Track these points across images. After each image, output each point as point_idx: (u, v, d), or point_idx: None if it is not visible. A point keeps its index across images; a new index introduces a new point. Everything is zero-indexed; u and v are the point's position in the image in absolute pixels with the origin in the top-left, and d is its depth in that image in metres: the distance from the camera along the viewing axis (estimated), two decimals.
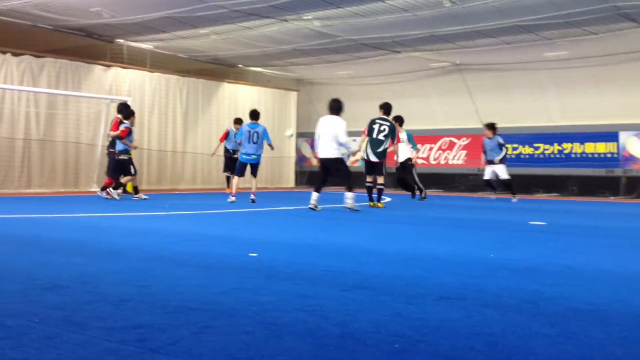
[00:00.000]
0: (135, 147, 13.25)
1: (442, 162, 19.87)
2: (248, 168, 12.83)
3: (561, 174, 17.98)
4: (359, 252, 5.63)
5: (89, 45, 16.34)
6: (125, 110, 13.14)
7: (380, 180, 11.84)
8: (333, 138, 10.57)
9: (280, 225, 8.63)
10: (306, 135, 21.90)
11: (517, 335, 2.87)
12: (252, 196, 12.65)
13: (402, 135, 13.85)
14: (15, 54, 14.68)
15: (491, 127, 14.76)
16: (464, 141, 19.46)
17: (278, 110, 21.17)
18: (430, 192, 19.29)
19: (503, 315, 3.24)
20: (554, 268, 4.86)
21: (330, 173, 10.93)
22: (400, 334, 2.85)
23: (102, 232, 7.06)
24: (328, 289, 3.88)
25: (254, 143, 12.54)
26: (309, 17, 13.65)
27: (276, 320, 3.06)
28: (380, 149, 11.68)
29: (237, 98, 19.86)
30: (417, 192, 15.04)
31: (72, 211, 9.89)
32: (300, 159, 22.48)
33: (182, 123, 18.37)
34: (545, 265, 4.99)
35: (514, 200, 14.66)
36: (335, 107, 10.84)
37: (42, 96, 15.07)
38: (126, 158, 12.81)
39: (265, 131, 12.75)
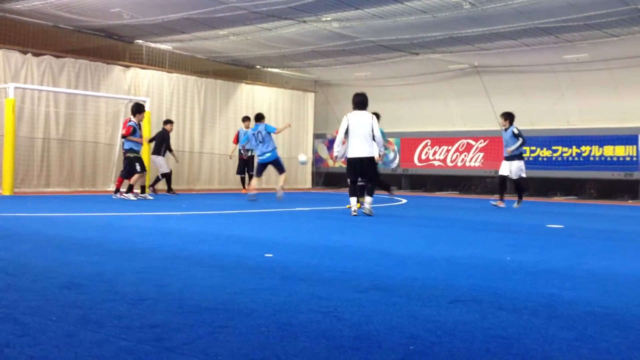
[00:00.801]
0: (142, 142, 13.10)
1: (460, 164, 19.79)
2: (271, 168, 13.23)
3: (579, 177, 17.83)
4: (374, 254, 5.62)
5: (109, 45, 16.49)
6: (134, 108, 13.13)
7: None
8: (367, 135, 9.81)
9: (296, 226, 8.64)
10: (323, 137, 21.92)
11: (533, 338, 2.85)
12: (279, 194, 12.84)
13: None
14: (35, 54, 14.85)
15: (506, 116, 12.95)
16: (481, 143, 19.36)
17: (295, 111, 21.21)
18: (446, 194, 19.22)
19: (519, 319, 3.22)
20: (571, 271, 4.82)
21: (362, 174, 10.01)
22: (415, 336, 2.84)
23: (120, 231, 7.12)
24: (343, 290, 3.88)
25: (261, 142, 13.14)
26: (328, 19, 13.66)
27: (291, 321, 3.07)
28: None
29: (254, 99, 19.93)
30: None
31: (90, 210, 9.98)
32: (317, 160, 22.49)
33: (200, 123, 18.46)
34: (562, 268, 4.96)
35: (515, 206, 12.80)
36: (362, 102, 10.01)
37: (61, 96, 15.21)
38: (132, 156, 12.81)
39: (267, 126, 13.33)
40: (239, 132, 16.69)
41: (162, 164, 14.94)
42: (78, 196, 13.48)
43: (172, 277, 4.19)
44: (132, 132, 12.72)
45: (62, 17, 14.00)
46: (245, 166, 16.61)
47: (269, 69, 20.58)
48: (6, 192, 13.33)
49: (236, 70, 19.90)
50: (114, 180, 15.99)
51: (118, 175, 13.62)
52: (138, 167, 12.81)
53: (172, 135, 17.94)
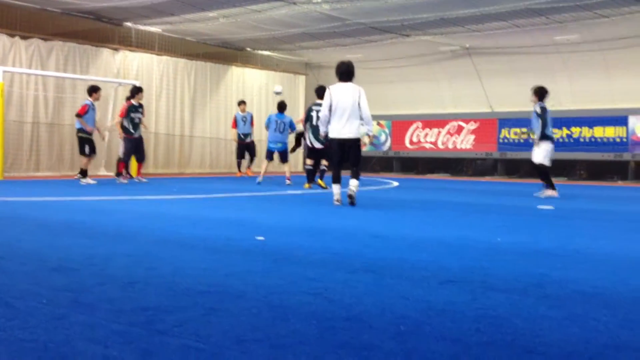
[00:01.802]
0: (90, 131, 12.48)
1: (450, 146, 19.81)
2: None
3: (570, 158, 17.89)
4: (365, 236, 5.64)
5: (98, 28, 16.33)
6: (89, 88, 12.87)
7: (325, 162, 12.25)
8: (353, 112, 8.37)
9: (287, 209, 8.64)
10: None
11: (523, 317, 2.87)
12: (288, 181, 13.20)
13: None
14: (23, 37, 14.70)
15: (536, 91, 11.28)
16: (472, 125, 19.39)
17: (287, 94, 21.07)
18: (437, 177, 19.27)
19: (509, 298, 3.24)
20: (560, 252, 4.85)
21: (347, 157, 8.62)
22: (406, 317, 2.86)
23: (110, 215, 7.10)
24: (334, 272, 3.90)
25: (281, 132, 13.44)
26: (318, 1, 13.57)
27: (283, 303, 3.07)
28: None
29: (245, 82, 19.84)
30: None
31: (80, 194, 9.94)
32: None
33: (190, 107, 18.37)
34: (552, 249, 4.99)
35: (538, 194, 10.85)
36: (347, 72, 8.51)
37: (50, 80, 15.09)
38: (82, 136, 12.39)
39: (291, 122, 13.71)
40: (236, 117, 16.66)
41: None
42: (68, 180, 13.42)
43: (163, 261, 4.19)
44: (86, 111, 12.37)
45: None
46: (246, 150, 16.62)
47: (260, 52, 20.47)
48: None
49: (226, 52, 19.78)
50: (104, 165, 15.96)
51: (117, 161, 13.66)
52: (87, 150, 12.43)
53: (162, 118, 17.82)
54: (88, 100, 12.60)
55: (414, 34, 16.82)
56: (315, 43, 18.55)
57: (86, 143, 12.47)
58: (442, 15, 14.56)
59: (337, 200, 8.46)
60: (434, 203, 9.80)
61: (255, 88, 19.99)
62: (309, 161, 12.49)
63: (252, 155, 16.93)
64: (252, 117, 16.83)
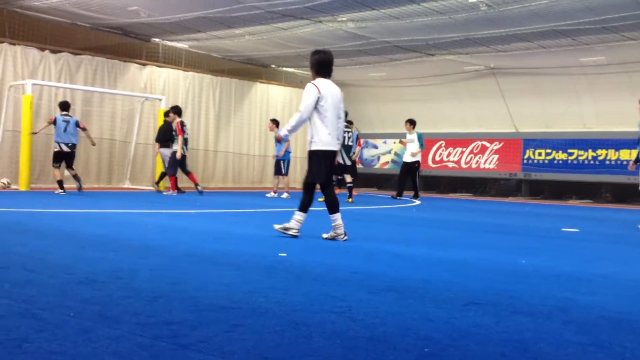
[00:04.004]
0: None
1: (474, 166, 19.72)
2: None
3: (595, 181, 17.71)
4: (387, 255, 5.62)
5: (126, 43, 16.59)
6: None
7: (349, 179, 14.08)
8: (339, 118, 6.77)
9: (309, 225, 8.65)
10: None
11: (548, 342, 2.85)
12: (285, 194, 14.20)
13: (413, 136, 15.82)
14: (53, 51, 14.97)
15: None
16: (496, 145, 19.29)
17: None
18: (460, 196, 19.17)
19: (534, 322, 3.22)
20: (586, 276, 4.80)
21: (334, 171, 7.22)
22: (430, 338, 2.85)
23: (135, 228, 7.17)
24: (357, 291, 3.89)
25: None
26: (344, 19, 13.66)
27: (306, 321, 3.08)
28: (351, 153, 14.14)
29: (269, 98, 19.96)
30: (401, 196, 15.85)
31: (106, 207, 10.05)
32: None
33: (215, 122, 18.52)
34: (577, 272, 4.94)
35: None
36: (329, 64, 6.84)
37: (78, 93, 15.32)
38: (55, 149, 12.89)
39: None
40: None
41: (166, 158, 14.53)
42: (93, 192, 13.58)
43: (186, 275, 4.22)
44: (53, 122, 12.80)
45: (80, 14, 14.11)
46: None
47: (284, 69, 20.61)
48: (22, 187, 13.45)
49: (251, 69, 19.95)
50: (129, 177, 16.16)
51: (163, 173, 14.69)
52: (54, 163, 12.88)
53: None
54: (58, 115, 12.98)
55: (438, 53, 16.84)
56: (339, 61, 18.60)
57: (56, 155, 12.87)
58: (468, 35, 14.56)
59: (296, 232, 6.65)
60: (456, 223, 9.74)
61: (279, 105, 20.10)
62: (348, 178, 14.05)
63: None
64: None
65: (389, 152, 21.26)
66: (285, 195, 14.30)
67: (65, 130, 12.74)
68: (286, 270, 4.56)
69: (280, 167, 14.67)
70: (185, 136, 14.09)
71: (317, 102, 6.55)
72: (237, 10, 13.06)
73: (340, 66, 19.46)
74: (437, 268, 4.98)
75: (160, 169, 15.36)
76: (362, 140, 17.28)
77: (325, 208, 6.74)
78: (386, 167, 21.44)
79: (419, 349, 2.67)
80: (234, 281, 4.07)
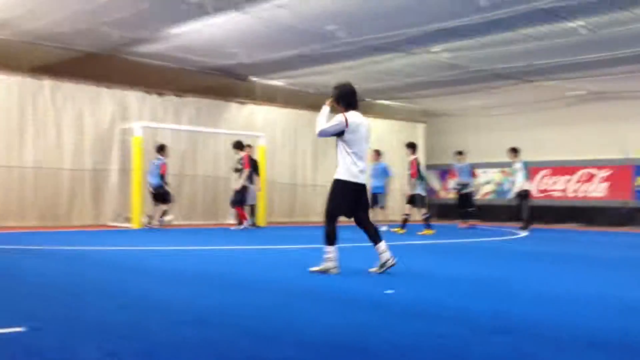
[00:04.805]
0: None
1: (581, 195, 18.92)
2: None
3: None
4: (498, 292, 5.42)
5: (224, 83, 17.17)
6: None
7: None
8: (367, 154, 6.86)
9: (412, 259, 8.53)
10: (434, 168, 21.69)
11: None
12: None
13: (519, 165, 15.56)
14: (159, 94, 15.74)
15: None
16: (604, 173, 18.45)
17: (406, 142, 21.06)
18: (567, 226, 18.38)
19: None
20: None
21: (357, 206, 6.83)
22: None
23: (242, 265, 7.30)
24: (466, 330, 3.77)
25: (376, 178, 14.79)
26: (438, 50, 13.58)
27: None
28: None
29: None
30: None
31: (212, 244, 10.31)
32: (429, 191, 22.20)
33: (312, 156, 18.76)
34: None
35: None
36: (355, 95, 7.13)
37: (182, 133, 15.94)
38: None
39: (385, 168, 15.00)
40: (454, 167, 16.63)
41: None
42: (200, 229, 13.98)
43: (294, 313, 4.23)
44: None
45: (183, 58, 14.75)
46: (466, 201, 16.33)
47: (378, 101, 20.66)
48: (136, 225, 14.04)
49: None
50: (233, 213, 16.53)
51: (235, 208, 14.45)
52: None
53: (286, 167, 18.38)
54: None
55: (537, 79, 16.39)
56: (434, 91, 18.47)
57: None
58: (567, 60, 14.10)
59: (335, 268, 6.43)
60: (566, 255, 9.32)
61: (374, 136, 20.11)
62: (424, 210, 14.11)
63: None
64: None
65: (489, 182, 20.76)
66: (384, 228, 14.04)
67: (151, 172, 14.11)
68: (393, 307, 4.48)
69: (376, 199, 14.56)
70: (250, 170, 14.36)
71: (343, 133, 6.53)
72: (332, 47, 13.25)
73: (435, 96, 19.31)
74: (549, 305, 4.74)
75: (258, 204, 15.66)
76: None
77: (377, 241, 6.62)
78: (488, 197, 20.92)
79: None
80: (340, 321, 4.03)
